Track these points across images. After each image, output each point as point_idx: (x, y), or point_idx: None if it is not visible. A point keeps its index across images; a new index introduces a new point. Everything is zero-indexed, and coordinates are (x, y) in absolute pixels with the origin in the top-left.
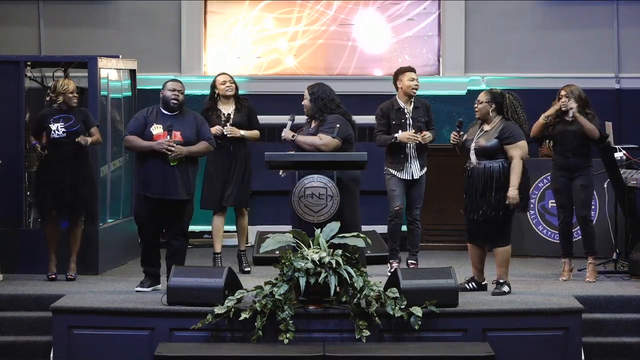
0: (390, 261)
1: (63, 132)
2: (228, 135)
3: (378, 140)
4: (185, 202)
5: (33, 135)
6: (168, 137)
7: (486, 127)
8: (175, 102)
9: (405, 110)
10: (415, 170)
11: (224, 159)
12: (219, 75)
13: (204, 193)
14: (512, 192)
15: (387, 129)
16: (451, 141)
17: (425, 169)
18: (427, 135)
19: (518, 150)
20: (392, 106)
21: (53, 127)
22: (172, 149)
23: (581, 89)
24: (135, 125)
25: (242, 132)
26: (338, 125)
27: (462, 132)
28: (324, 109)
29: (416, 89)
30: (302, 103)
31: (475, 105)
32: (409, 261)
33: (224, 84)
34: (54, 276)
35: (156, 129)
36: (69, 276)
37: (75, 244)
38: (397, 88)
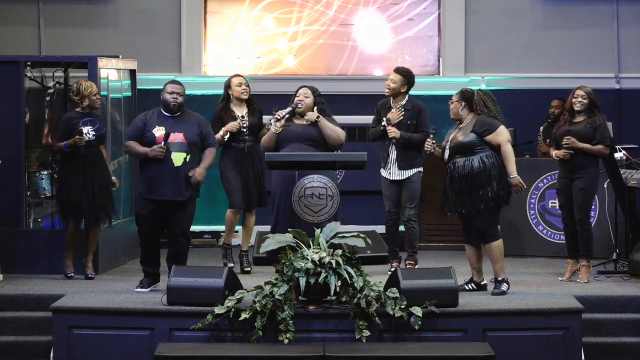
0: (390, 261)
1: (93, 135)
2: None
3: (369, 134)
4: (188, 204)
5: (59, 139)
6: (162, 142)
7: (460, 126)
8: (174, 104)
9: (394, 110)
10: (395, 171)
11: (239, 159)
12: (233, 77)
13: (229, 193)
14: (515, 180)
15: (377, 125)
16: (425, 149)
17: (413, 170)
18: (394, 130)
19: (501, 136)
20: (385, 104)
21: (85, 129)
22: (195, 178)
23: (590, 89)
24: (134, 130)
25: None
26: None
27: (434, 141)
28: (322, 112)
29: (388, 88)
30: (302, 100)
31: (451, 104)
32: (406, 262)
33: (239, 86)
34: (72, 274)
35: (159, 131)
36: (90, 275)
37: (94, 244)
38: None
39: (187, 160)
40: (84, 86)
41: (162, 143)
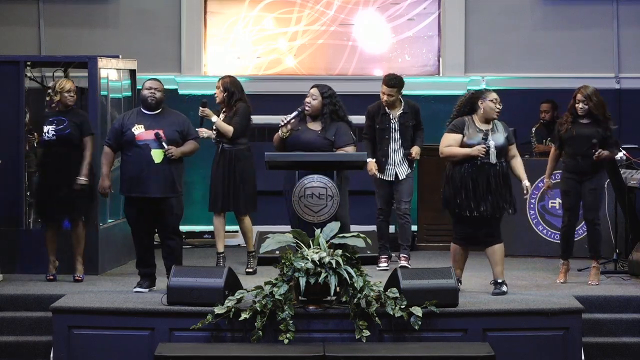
0: (380, 257)
1: (53, 134)
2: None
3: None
4: (172, 200)
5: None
6: (155, 139)
7: (490, 127)
8: (152, 99)
9: (391, 116)
10: (399, 171)
11: (220, 161)
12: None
13: (210, 195)
14: (529, 183)
15: (372, 132)
16: (480, 154)
17: (410, 169)
18: (416, 151)
19: (515, 147)
20: (378, 110)
21: (45, 129)
22: (171, 151)
23: (592, 90)
24: (111, 133)
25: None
26: (351, 133)
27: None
28: (334, 115)
29: (388, 102)
30: (309, 102)
31: (500, 107)
32: (401, 255)
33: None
34: (52, 277)
35: (137, 129)
36: (77, 278)
37: (77, 245)
38: None
39: (166, 156)
40: (59, 83)
41: (165, 146)
